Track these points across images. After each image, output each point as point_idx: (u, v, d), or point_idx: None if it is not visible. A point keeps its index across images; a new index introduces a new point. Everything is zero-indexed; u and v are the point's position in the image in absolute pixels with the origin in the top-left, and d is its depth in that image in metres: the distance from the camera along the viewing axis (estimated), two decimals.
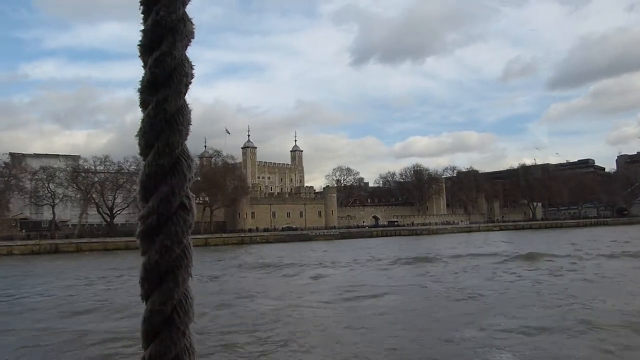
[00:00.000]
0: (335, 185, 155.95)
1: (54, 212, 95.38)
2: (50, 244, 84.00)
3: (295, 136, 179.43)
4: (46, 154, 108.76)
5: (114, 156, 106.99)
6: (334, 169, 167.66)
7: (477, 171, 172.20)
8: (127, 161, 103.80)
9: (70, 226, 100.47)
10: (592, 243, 54.19)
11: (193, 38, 0.89)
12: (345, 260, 46.34)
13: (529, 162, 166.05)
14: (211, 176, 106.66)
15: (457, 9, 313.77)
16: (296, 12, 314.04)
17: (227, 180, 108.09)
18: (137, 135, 0.86)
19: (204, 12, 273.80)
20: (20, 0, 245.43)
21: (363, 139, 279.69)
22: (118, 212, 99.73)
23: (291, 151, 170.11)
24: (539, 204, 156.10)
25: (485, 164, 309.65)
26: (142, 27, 0.87)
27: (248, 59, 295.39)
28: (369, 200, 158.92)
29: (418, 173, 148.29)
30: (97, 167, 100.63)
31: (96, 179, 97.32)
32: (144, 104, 0.87)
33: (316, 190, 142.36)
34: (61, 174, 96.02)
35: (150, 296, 0.85)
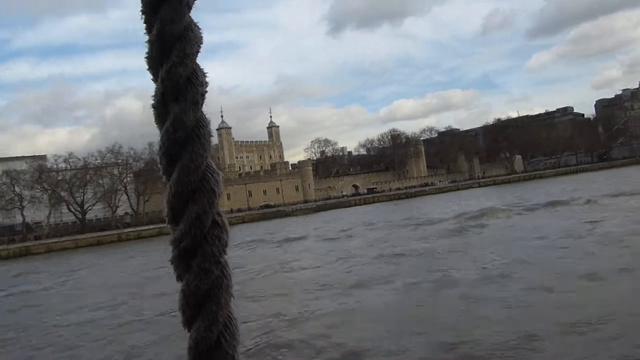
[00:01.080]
0: (318, 157, 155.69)
1: (23, 215, 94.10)
2: (19, 247, 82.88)
3: (270, 112, 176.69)
4: (10, 157, 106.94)
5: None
6: (312, 141, 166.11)
7: (457, 129, 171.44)
8: (92, 156, 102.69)
9: (44, 227, 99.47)
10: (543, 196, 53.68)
11: (202, 44, 0.83)
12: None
13: (513, 115, 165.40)
14: None
15: None
16: None
17: None
18: (158, 154, 0.81)
19: None
20: None
21: (348, 108, 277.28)
22: (89, 208, 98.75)
23: (267, 127, 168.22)
24: (519, 157, 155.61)
25: (472, 121, 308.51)
26: (147, 38, 0.81)
27: (224, 38, 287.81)
28: (350, 170, 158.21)
29: (395, 137, 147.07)
30: (61, 165, 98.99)
31: (59, 177, 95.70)
32: (160, 120, 0.81)
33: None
34: (26, 176, 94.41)
35: (193, 323, 0.80)
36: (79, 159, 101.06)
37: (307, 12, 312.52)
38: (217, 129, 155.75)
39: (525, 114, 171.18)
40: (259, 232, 58.20)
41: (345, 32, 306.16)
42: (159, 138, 0.80)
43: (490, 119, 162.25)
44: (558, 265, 16.17)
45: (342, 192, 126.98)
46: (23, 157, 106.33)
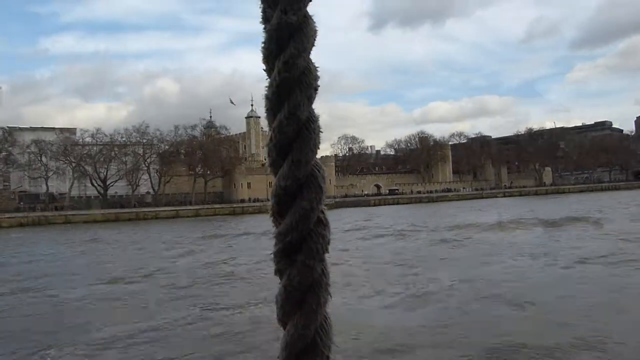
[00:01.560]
0: (345, 153, 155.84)
1: (47, 185, 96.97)
2: (39, 216, 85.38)
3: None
4: (41, 127, 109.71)
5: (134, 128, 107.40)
6: (339, 137, 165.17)
7: (489, 137, 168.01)
8: (119, 133, 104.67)
9: (66, 198, 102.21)
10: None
11: (316, 37, 0.81)
12: None
13: (549, 125, 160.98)
14: (204, 148, 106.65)
15: None
16: None
17: (221, 151, 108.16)
18: (268, 146, 0.79)
19: None
20: None
21: (383, 106, 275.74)
22: (111, 184, 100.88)
23: None
24: (549, 169, 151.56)
25: (509, 129, 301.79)
26: (265, 27, 0.80)
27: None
28: (376, 169, 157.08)
29: (423, 140, 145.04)
30: (87, 140, 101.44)
31: (85, 151, 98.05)
32: (273, 112, 0.79)
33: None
34: (53, 147, 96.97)
35: (290, 319, 0.79)
36: (105, 135, 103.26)
37: (349, 6, 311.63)
38: (245, 117, 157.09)
39: (561, 125, 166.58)
40: (265, 224, 57.87)
41: (386, 30, 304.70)
42: (270, 130, 0.79)
43: (523, 128, 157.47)
44: (487, 288, 15.52)
45: (362, 190, 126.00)
46: (53, 129, 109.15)
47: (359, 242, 33.53)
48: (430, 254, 24.81)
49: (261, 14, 0.81)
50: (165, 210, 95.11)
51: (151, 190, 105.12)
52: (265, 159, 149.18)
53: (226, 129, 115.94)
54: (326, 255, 0.79)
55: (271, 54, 0.80)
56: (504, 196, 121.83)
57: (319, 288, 0.79)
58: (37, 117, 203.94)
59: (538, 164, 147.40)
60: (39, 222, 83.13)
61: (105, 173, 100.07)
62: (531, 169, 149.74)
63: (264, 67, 0.81)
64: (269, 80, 0.80)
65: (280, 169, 0.79)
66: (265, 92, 0.80)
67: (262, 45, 0.80)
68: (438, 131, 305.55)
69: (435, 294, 14.91)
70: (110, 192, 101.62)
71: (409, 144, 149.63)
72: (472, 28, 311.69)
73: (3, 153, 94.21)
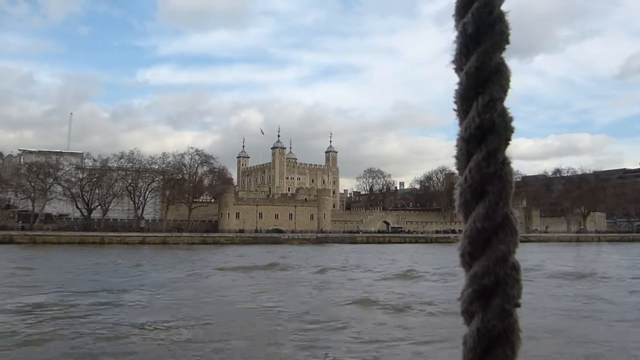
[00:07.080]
0: (371, 188, 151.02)
1: (33, 205, 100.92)
2: (3, 235, 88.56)
3: (331, 137, 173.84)
4: (49, 151, 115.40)
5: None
6: (365, 171, 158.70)
7: (545, 175, 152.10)
8: (107, 159, 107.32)
9: (64, 219, 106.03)
10: None
11: (510, 82, 0.80)
12: None
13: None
14: (192, 177, 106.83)
15: (571, 3, 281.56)
16: (396, 12, 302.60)
17: (204, 179, 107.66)
18: (459, 186, 0.78)
19: (307, 15, 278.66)
20: (145, 14, 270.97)
21: None
22: (94, 208, 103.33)
23: (325, 152, 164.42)
24: (601, 214, 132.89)
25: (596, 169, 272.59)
26: (459, 68, 0.81)
27: (346, 60, 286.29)
28: (410, 205, 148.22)
29: (448, 177, 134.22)
30: (68, 162, 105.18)
31: (60, 173, 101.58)
32: (467, 153, 0.79)
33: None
34: (40, 170, 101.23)
35: None
36: (95, 160, 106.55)
37: (432, 43, 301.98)
38: (271, 148, 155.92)
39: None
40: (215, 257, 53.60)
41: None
42: (463, 170, 0.78)
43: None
44: None
45: (357, 227, 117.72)
46: (61, 153, 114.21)
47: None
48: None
49: (455, 55, 0.81)
50: (131, 236, 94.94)
51: (153, 216, 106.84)
52: (289, 189, 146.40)
53: (213, 158, 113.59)
54: (520, 301, 0.77)
55: (468, 97, 0.79)
56: (520, 242, 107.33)
57: (512, 334, 0.76)
58: (131, 143, 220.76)
59: (585, 208, 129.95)
60: (3, 241, 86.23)
61: (89, 197, 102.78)
62: (576, 213, 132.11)
63: (455, 107, 0.81)
64: (462, 120, 0.79)
65: (474, 211, 0.77)
66: (459, 133, 0.79)
67: (458, 85, 0.80)
68: (520, 169, 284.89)
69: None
70: (113, 215, 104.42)
71: (432, 181, 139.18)
72: (563, 64, 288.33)
73: None
